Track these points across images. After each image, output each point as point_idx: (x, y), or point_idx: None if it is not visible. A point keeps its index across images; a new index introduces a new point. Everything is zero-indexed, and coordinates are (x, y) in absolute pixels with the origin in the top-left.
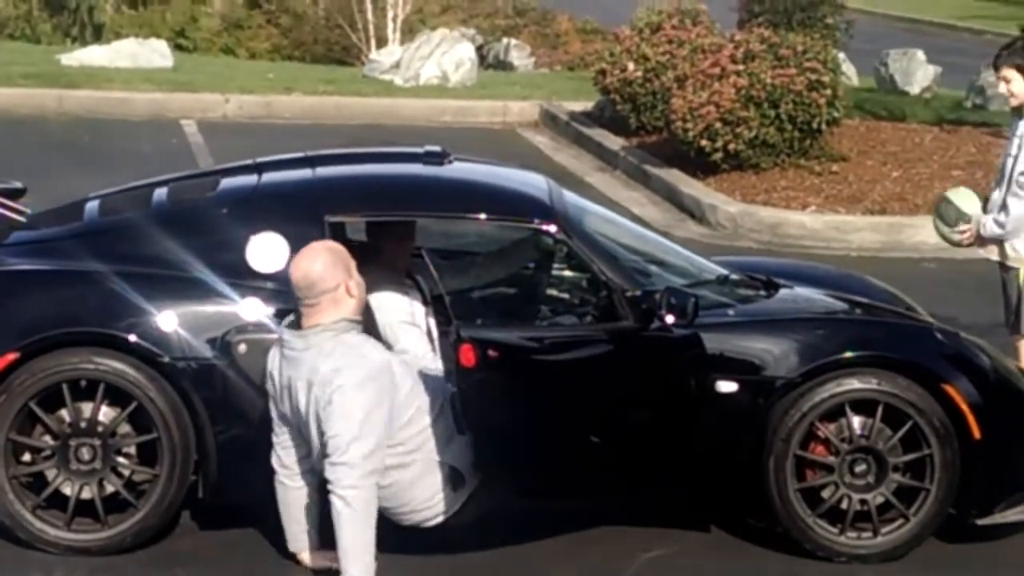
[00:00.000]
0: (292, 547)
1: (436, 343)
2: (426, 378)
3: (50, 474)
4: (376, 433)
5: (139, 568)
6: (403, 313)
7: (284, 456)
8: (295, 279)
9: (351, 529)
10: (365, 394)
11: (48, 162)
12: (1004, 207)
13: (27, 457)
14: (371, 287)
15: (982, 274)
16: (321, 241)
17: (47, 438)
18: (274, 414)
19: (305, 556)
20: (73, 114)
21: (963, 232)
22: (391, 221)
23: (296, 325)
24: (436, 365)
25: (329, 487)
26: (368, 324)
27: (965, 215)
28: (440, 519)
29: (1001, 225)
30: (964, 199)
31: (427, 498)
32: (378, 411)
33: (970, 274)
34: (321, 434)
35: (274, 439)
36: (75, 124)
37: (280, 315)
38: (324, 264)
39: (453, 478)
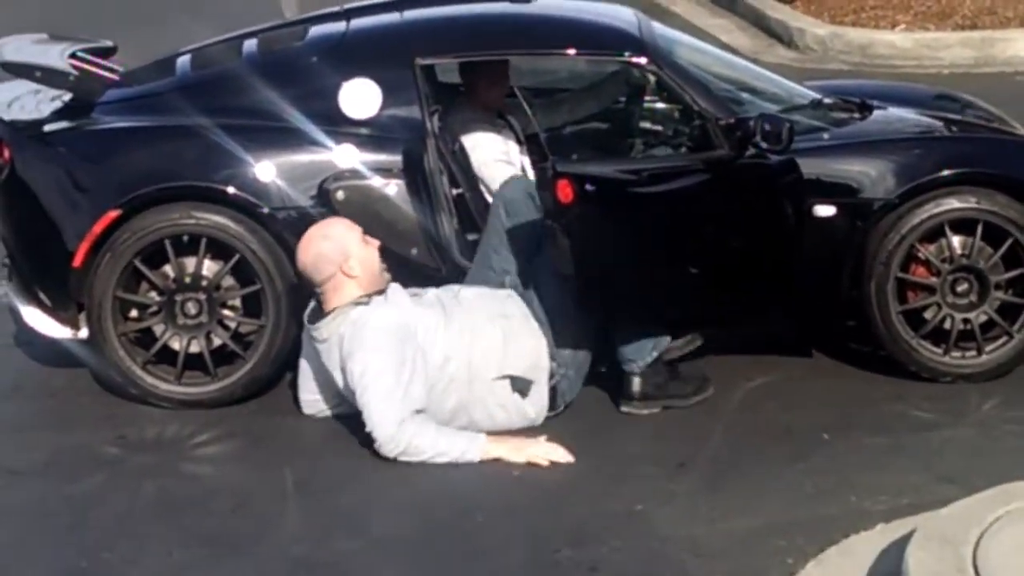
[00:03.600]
0: None
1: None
2: (479, 294)
3: (158, 329)
4: (394, 389)
5: (250, 418)
6: (497, 152)
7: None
8: (297, 273)
9: (431, 454)
10: (375, 361)
11: (134, 21)
12: None
13: (135, 314)
14: (465, 127)
15: None
16: (318, 225)
17: (153, 294)
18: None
19: None
20: None
21: None
22: (483, 61)
23: (317, 311)
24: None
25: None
26: (463, 164)
27: None
28: (538, 417)
29: None
30: None
31: (507, 413)
32: (391, 371)
33: None
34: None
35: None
36: None
37: (374, 163)
38: (315, 255)
39: (517, 385)
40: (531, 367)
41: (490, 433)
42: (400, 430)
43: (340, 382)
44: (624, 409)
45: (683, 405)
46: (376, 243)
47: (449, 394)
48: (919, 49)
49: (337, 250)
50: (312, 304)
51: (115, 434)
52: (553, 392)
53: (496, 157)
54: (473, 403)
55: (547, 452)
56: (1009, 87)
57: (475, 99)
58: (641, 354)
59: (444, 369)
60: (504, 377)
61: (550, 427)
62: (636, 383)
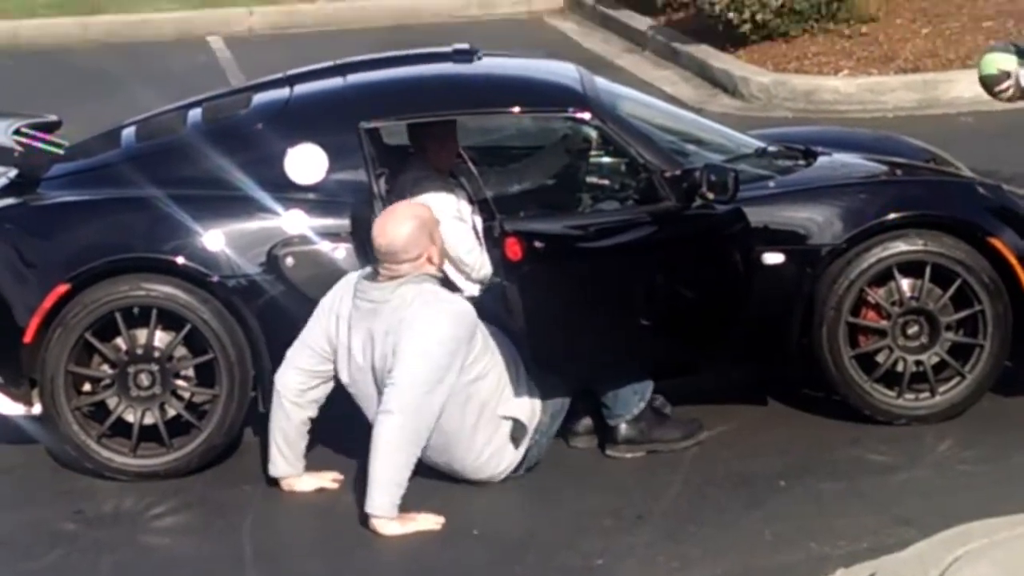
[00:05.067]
0: (274, 472)
1: (483, 240)
2: (499, 333)
3: (111, 402)
4: (441, 373)
5: (207, 488)
6: (451, 209)
7: (299, 382)
8: (378, 243)
9: (387, 456)
10: (439, 335)
11: (79, 91)
12: None
13: (88, 387)
14: (417, 186)
15: (1021, 125)
16: (408, 204)
17: (105, 367)
18: (313, 343)
19: (291, 482)
20: (99, 40)
21: (1004, 88)
22: (430, 122)
23: (373, 278)
24: (483, 259)
25: (380, 411)
26: None
27: (1004, 71)
28: (503, 473)
29: None
30: (999, 58)
31: (492, 453)
32: (448, 355)
33: (1009, 125)
34: (388, 371)
35: (294, 361)
36: (102, 50)
37: (322, 227)
38: (410, 233)
39: (516, 431)
40: (527, 419)
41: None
42: (416, 408)
43: (378, 347)
44: (608, 452)
45: (670, 449)
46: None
47: (464, 410)
48: (862, 94)
49: (427, 234)
50: (367, 270)
51: (72, 509)
52: (525, 454)
53: (450, 214)
54: (473, 429)
55: (432, 520)
56: (953, 128)
57: (426, 160)
58: (628, 407)
59: (474, 385)
60: (509, 418)
61: (502, 481)
62: (622, 428)
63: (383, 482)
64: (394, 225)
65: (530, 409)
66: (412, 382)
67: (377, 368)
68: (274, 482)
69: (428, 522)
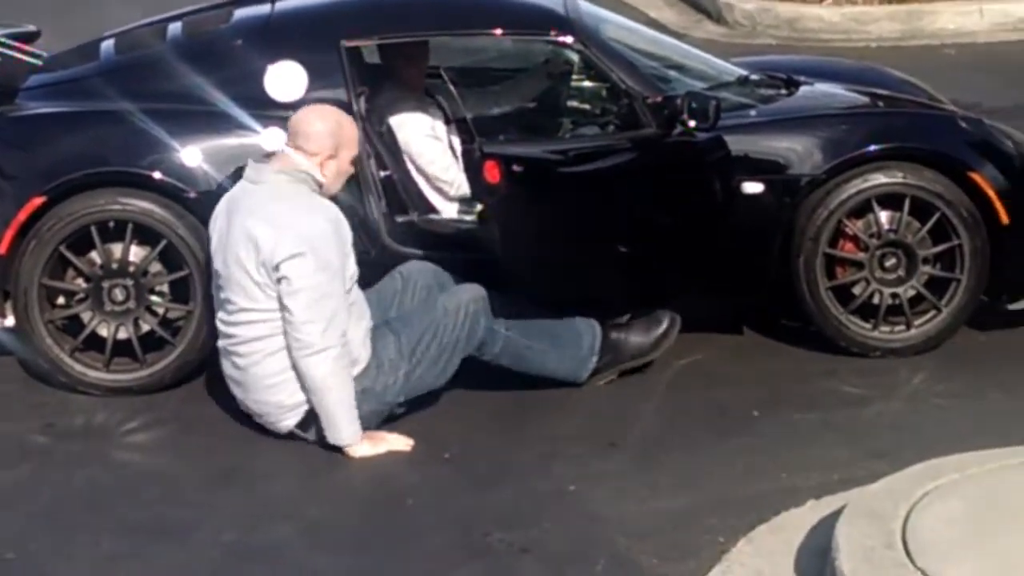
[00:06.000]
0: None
1: (459, 158)
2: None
3: (85, 316)
4: (338, 286)
5: (180, 404)
6: (425, 127)
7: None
8: (294, 118)
9: (331, 391)
10: (324, 248)
11: (58, 3)
12: None
13: (61, 301)
14: (392, 106)
15: (1003, 58)
16: (341, 113)
17: (80, 281)
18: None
19: None
20: None
21: None
22: (402, 42)
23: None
24: (460, 177)
25: (297, 356)
26: (390, 146)
27: None
28: (288, 413)
29: None
30: None
31: (289, 378)
32: (336, 267)
33: (991, 58)
34: (254, 277)
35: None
36: None
37: None
38: (321, 130)
39: None
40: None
41: None
42: (342, 350)
43: (237, 224)
44: (582, 383)
45: (646, 361)
46: (350, 171)
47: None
48: (847, 23)
49: (334, 145)
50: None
51: (43, 423)
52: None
53: (424, 132)
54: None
55: (402, 442)
56: (936, 60)
57: (397, 79)
58: (581, 370)
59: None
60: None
61: (475, 405)
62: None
63: (340, 415)
64: (315, 115)
65: (357, 351)
66: (323, 314)
67: (228, 252)
68: None
69: (399, 443)
